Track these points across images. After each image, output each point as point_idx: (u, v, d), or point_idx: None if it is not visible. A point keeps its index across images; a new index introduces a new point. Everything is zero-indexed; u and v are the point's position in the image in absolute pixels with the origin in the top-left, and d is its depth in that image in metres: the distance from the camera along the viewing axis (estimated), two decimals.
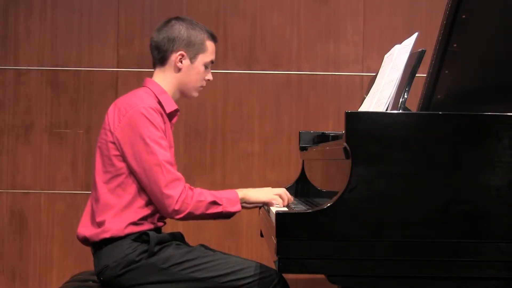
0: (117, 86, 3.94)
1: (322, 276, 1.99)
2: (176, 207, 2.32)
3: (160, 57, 2.54)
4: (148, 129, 2.37)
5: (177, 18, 2.56)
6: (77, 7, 3.97)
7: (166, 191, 2.33)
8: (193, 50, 2.53)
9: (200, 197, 2.35)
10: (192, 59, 2.53)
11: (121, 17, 3.97)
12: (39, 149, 3.95)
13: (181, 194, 2.33)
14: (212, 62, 2.60)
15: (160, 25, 2.57)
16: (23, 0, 3.96)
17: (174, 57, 2.52)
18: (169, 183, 2.33)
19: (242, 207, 2.45)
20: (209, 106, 3.95)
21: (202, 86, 2.60)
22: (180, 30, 2.52)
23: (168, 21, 2.56)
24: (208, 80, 2.61)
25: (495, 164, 1.97)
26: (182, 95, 2.60)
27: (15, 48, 3.96)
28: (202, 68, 2.56)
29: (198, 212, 2.35)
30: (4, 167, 3.95)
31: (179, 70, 2.53)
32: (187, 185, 2.38)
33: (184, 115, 3.91)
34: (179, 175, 2.37)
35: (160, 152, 2.35)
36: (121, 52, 3.95)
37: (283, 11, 3.97)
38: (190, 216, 2.36)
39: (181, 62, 2.52)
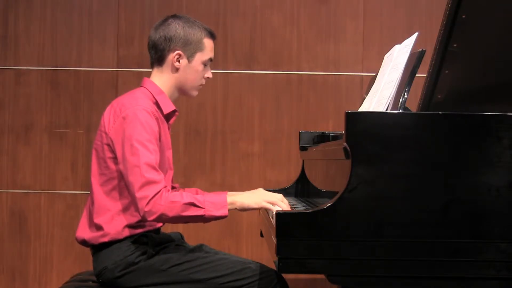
0: (117, 86, 3.94)
1: (322, 276, 1.99)
2: (147, 209, 2.24)
3: (157, 57, 2.51)
4: (137, 130, 2.33)
5: (174, 16, 2.52)
6: (77, 7, 3.97)
7: (139, 193, 2.26)
8: (191, 49, 2.48)
9: (174, 198, 2.26)
10: (190, 58, 2.49)
11: (121, 17, 3.96)
12: (39, 149, 3.95)
13: (155, 196, 2.25)
14: (211, 60, 2.55)
15: (158, 23, 2.53)
16: (23, 0, 3.96)
17: (171, 56, 2.48)
18: (143, 185, 2.26)
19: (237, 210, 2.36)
20: (209, 106, 3.95)
21: (201, 85, 2.56)
22: (176, 29, 2.48)
23: (165, 20, 2.52)
24: (208, 78, 2.56)
25: (495, 164, 1.97)
26: (182, 93, 2.56)
27: (15, 48, 3.96)
28: (200, 67, 2.51)
29: (172, 213, 2.25)
30: (4, 167, 3.95)
31: (176, 70, 2.49)
32: (168, 188, 2.31)
33: (184, 115, 3.91)
34: (158, 178, 2.28)
35: (143, 154, 2.29)
36: (121, 52, 3.95)
37: (283, 11, 3.97)
38: (164, 218, 2.26)
39: (179, 61, 2.48)
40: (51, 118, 3.95)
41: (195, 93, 2.57)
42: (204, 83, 2.57)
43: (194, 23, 2.52)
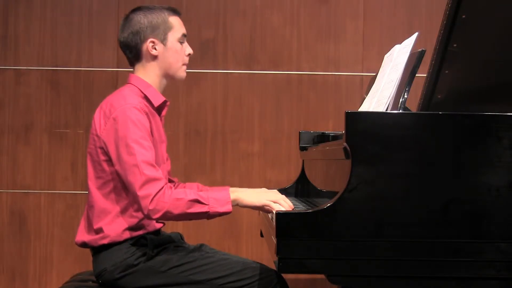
0: (117, 86, 3.93)
1: (322, 276, 1.99)
2: (151, 207, 2.22)
3: (133, 55, 2.50)
4: (129, 129, 2.31)
5: (133, 10, 2.51)
6: (77, 7, 3.97)
7: (141, 192, 2.24)
8: (160, 32, 2.47)
9: (179, 195, 2.24)
10: (164, 41, 2.47)
11: (121, 17, 3.93)
12: (39, 149, 3.95)
13: (157, 193, 2.23)
14: (184, 35, 2.53)
15: (121, 23, 2.53)
16: (23, 0, 3.96)
17: (145, 47, 2.47)
18: (145, 183, 2.24)
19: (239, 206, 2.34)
20: (209, 106, 3.95)
21: (185, 64, 2.54)
22: (139, 20, 2.47)
23: (126, 17, 2.52)
24: (189, 54, 2.54)
25: (495, 164, 1.97)
26: (170, 79, 2.54)
27: (15, 48, 3.96)
28: (177, 46, 2.50)
29: (177, 211, 2.23)
30: (4, 167, 3.95)
31: (155, 57, 2.48)
32: (169, 185, 2.29)
33: (184, 115, 3.91)
34: (158, 175, 2.27)
35: (139, 153, 2.28)
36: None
37: (283, 11, 3.97)
38: (169, 216, 2.24)
39: (155, 49, 2.47)
40: (51, 118, 3.95)
41: (182, 74, 2.54)
42: (187, 61, 2.54)
43: (154, 7, 2.50)
